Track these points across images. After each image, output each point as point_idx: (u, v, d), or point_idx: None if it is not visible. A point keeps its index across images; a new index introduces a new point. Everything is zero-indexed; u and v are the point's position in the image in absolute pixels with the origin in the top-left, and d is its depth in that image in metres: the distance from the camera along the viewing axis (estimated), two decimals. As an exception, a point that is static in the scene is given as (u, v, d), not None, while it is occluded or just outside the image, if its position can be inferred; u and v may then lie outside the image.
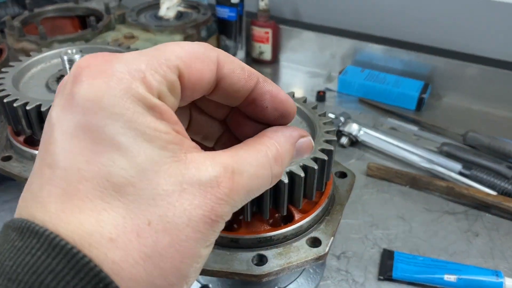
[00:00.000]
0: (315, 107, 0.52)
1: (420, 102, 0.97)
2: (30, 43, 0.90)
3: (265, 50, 1.14)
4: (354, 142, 0.89)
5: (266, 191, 0.42)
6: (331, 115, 0.88)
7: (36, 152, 0.60)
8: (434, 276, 0.63)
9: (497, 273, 0.61)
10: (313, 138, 0.48)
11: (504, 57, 0.97)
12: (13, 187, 0.79)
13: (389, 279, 0.64)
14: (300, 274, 0.54)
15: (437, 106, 1.00)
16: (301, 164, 0.43)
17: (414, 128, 0.93)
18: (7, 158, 0.60)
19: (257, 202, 0.43)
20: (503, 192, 0.74)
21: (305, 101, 0.53)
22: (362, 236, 0.71)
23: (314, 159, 0.44)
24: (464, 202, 0.76)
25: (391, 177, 0.80)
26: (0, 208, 0.75)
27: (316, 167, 0.43)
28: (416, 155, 0.83)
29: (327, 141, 0.46)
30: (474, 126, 0.89)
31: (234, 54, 1.13)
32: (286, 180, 0.41)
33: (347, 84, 1.03)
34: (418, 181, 0.78)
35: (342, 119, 0.88)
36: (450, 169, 0.80)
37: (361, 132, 0.88)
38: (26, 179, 0.56)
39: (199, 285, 0.55)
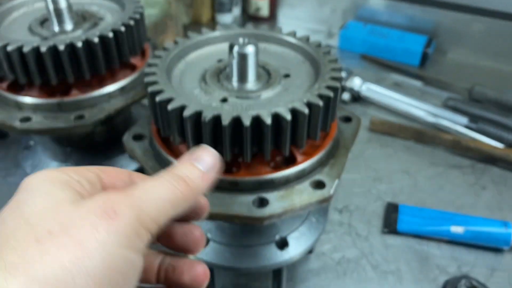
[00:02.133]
0: (318, 45, 0.49)
1: (424, 57, 0.93)
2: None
3: (262, 6, 1.09)
4: (357, 98, 0.85)
5: (267, 129, 0.39)
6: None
7: (21, 98, 0.55)
8: (440, 228, 0.60)
9: (505, 224, 0.59)
10: (318, 76, 0.45)
11: (512, 10, 0.93)
12: None
13: (394, 232, 0.62)
14: (302, 223, 0.51)
15: (441, 61, 0.96)
16: (306, 100, 0.39)
17: (418, 83, 0.89)
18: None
19: (258, 142, 0.40)
20: (510, 145, 0.72)
21: (308, 39, 0.50)
22: (365, 190, 0.68)
23: (319, 95, 0.40)
24: (470, 155, 0.73)
25: (395, 131, 0.77)
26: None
27: (321, 104, 0.40)
28: (421, 110, 0.80)
29: (333, 78, 0.43)
30: (480, 81, 0.85)
31: (229, 10, 1.08)
32: (289, 118, 0.38)
33: (348, 40, 0.99)
34: (423, 135, 0.75)
35: (344, 74, 0.84)
36: (456, 122, 0.77)
37: (364, 87, 0.84)
38: (10, 127, 0.53)
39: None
